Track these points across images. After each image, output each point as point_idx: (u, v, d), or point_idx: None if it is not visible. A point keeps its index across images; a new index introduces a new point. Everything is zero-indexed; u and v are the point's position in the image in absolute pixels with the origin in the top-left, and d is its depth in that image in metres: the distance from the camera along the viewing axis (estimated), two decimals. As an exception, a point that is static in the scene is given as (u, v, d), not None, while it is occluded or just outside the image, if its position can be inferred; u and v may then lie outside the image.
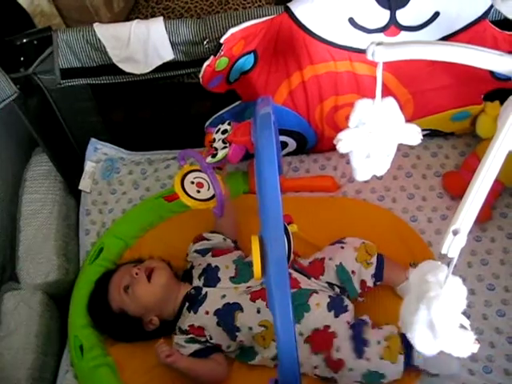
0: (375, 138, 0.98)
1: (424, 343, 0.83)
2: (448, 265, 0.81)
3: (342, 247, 1.45)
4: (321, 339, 1.34)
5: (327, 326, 1.35)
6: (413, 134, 1.00)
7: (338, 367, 1.32)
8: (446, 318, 0.80)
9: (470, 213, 0.76)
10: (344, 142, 0.98)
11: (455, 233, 0.75)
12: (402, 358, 1.31)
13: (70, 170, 1.73)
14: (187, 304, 1.44)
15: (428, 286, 0.83)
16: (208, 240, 1.55)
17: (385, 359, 1.30)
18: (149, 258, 1.55)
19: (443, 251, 0.75)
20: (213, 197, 1.32)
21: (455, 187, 1.62)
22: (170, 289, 1.45)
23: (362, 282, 1.41)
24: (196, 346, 1.41)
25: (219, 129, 1.29)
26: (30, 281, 1.57)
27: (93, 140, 1.76)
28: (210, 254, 1.51)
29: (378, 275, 1.42)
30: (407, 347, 1.31)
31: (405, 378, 1.35)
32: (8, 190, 1.69)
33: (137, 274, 1.43)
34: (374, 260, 1.42)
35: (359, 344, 1.32)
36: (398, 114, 0.99)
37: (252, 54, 1.40)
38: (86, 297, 1.54)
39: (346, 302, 1.40)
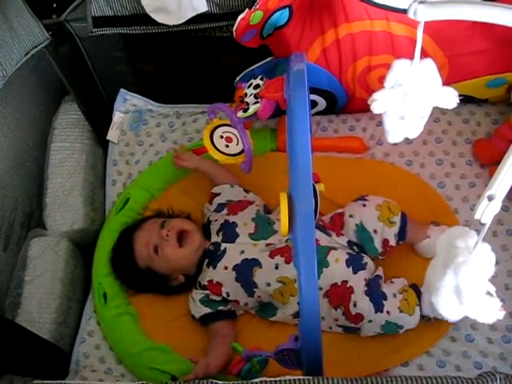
0: (411, 99, 0.96)
1: (449, 308, 0.83)
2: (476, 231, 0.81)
3: (364, 205, 1.44)
4: (338, 294, 1.36)
5: (345, 282, 1.37)
6: (449, 98, 0.98)
7: (357, 320, 1.34)
8: (474, 284, 0.80)
9: (506, 179, 0.74)
10: (379, 102, 0.96)
11: (490, 198, 0.74)
12: (418, 309, 1.35)
13: (98, 119, 1.73)
14: (207, 260, 1.46)
15: (456, 252, 0.82)
16: (218, 195, 1.55)
17: (404, 312, 1.33)
18: (168, 210, 1.56)
19: (476, 216, 0.74)
20: (241, 152, 1.31)
21: (485, 155, 1.59)
22: (200, 251, 1.46)
23: (385, 241, 1.41)
24: (207, 310, 1.44)
25: (251, 84, 1.27)
26: (57, 228, 1.60)
27: (122, 90, 1.75)
28: (225, 210, 1.51)
29: (401, 234, 1.42)
30: (418, 298, 1.35)
31: (425, 339, 1.38)
32: (37, 138, 1.70)
33: (167, 235, 1.43)
34: (397, 219, 1.41)
35: (378, 298, 1.34)
36: (436, 77, 0.97)
37: (287, 9, 1.37)
38: (110, 246, 1.56)
39: (366, 259, 1.41)
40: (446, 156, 1.62)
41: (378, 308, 1.33)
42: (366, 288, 1.35)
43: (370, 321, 1.34)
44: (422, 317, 1.36)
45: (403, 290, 1.36)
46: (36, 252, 1.55)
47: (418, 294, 1.36)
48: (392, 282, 1.39)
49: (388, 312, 1.33)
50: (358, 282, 1.37)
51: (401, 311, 1.33)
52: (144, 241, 1.46)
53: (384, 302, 1.33)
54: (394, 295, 1.35)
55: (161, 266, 1.45)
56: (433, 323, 1.37)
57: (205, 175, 1.59)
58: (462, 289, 0.80)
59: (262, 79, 1.26)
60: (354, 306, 1.34)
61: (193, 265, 1.46)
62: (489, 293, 0.82)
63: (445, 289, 0.82)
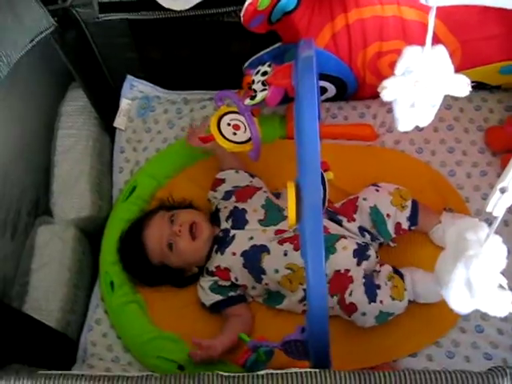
0: (422, 87, 0.94)
1: (460, 301, 0.82)
2: (487, 222, 0.79)
3: (377, 190, 1.44)
4: (338, 281, 1.36)
5: (347, 270, 1.36)
6: (461, 86, 0.96)
7: (350, 311, 1.33)
8: (485, 278, 0.78)
9: (519, 171, 0.72)
10: (389, 89, 0.94)
11: (503, 191, 0.72)
12: (406, 293, 1.35)
13: (105, 106, 1.72)
14: (216, 246, 1.45)
15: (467, 244, 0.81)
16: (223, 181, 1.54)
17: (395, 299, 1.33)
18: (169, 199, 1.56)
19: (488, 209, 0.73)
20: (249, 140, 1.29)
21: (498, 143, 1.57)
22: (211, 239, 1.46)
23: (397, 225, 1.40)
24: (218, 297, 1.43)
25: (259, 70, 1.25)
26: (64, 216, 1.59)
27: (129, 77, 1.73)
28: (233, 197, 1.50)
29: (412, 218, 1.41)
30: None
31: (434, 330, 1.38)
32: (43, 125, 1.69)
33: (180, 231, 1.42)
34: (408, 203, 1.41)
35: (371, 288, 1.33)
36: (448, 64, 0.94)
37: (296, -6, 1.35)
38: (117, 234, 1.55)
39: (370, 251, 1.41)
40: (457, 144, 1.60)
41: (372, 299, 1.32)
42: (363, 280, 1.35)
43: (363, 313, 1.32)
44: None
45: (391, 277, 1.36)
46: (43, 240, 1.54)
47: (402, 278, 1.36)
48: (379, 272, 1.38)
49: (381, 301, 1.32)
50: (358, 273, 1.36)
51: (393, 299, 1.33)
52: (156, 239, 1.45)
53: (377, 291, 1.33)
54: (385, 283, 1.35)
55: (176, 260, 1.45)
56: (442, 311, 1.35)
57: (216, 157, 1.59)
58: (473, 282, 0.79)
59: (269, 66, 1.24)
60: (350, 295, 1.33)
61: (206, 254, 1.46)
62: (501, 286, 0.80)
63: (455, 282, 0.81)
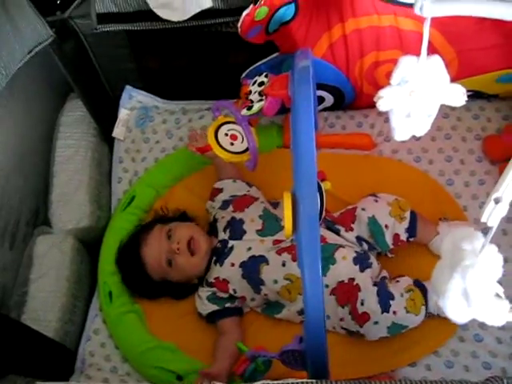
0: (417, 97, 0.94)
1: (457, 311, 0.82)
2: (483, 231, 0.79)
3: (376, 200, 1.44)
4: (345, 291, 1.35)
5: (352, 279, 1.36)
6: (457, 95, 0.96)
7: (363, 320, 1.32)
8: (481, 287, 0.78)
9: (513, 181, 0.72)
10: (385, 99, 0.95)
11: (497, 201, 0.72)
12: (424, 309, 1.34)
13: (104, 116, 1.72)
14: (214, 257, 1.45)
15: (463, 254, 0.81)
16: (221, 191, 1.54)
17: (410, 312, 1.32)
18: (162, 209, 1.56)
19: (483, 219, 0.73)
20: (246, 150, 1.30)
21: (495, 152, 1.56)
22: (209, 252, 1.46)
23: (395, 236, 1.40)
24: (214, 307, 1.43)
25: (256, 81, 1.25)
26: (62, 226, 1.60)
27: (128, 87, 1.74)
28: (230, 207, 1.50)
29: (411, 230, 1.41)
30: (425, 296, 1.34)
31: (433, 339, 1.37)
32: (42, 135, 1.70)
33: (178, 249, 1.42)
34: (407, 215, 1.41)
35: (385, 297, 1.32)
36: (443, 74, 0.95)
37: (293, 4, 1.35)
38: (116, 244, 1.55)
39: (372, 259, 1.40)
40: (455, 153, 1.60)
41: (385, 308, 1.31)
42: (373, 288, 1.34)
43: (376, 322, 1.32)
44: (429, 314, 1.35)
45: (409, 289, 1.34)
46: (41, 250, 1.55)
47: (424, 292, 1.35)
48: (397, 282, 1.38)
49: (394, 312, 1.31)
50: (364, 280, 1.36)
51: (407, 311, 1.32)
52: (155, 256, 1.44)
53: (391, 301, 1.32)
54: (401, 295, 1.33)
55: (176, 275, 1.45)
56: (441, 320, 1.35)
57: (214, 166, 1.59)
58: (470, 292, 0.79)
59: (266, 76, 1.24)
60: (362, 304, 1.32)
61: (205, 266, 1.46)
62: (497, 295, 0.80)
63: (452, 292, 0.81)
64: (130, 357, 1.46)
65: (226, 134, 1.30)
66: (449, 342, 1.38)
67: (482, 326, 1.37)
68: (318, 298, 0.94)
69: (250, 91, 1.25)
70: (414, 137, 1.00)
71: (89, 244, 1.64)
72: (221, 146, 1.28)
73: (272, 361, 1.20)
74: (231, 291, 1.42)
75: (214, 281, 1.44)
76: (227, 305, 1.44)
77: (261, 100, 1.21)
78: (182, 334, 1.47)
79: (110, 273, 1.53)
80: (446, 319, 1.30)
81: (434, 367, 1.36)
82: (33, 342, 1.31)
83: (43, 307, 1.46)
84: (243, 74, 1.57)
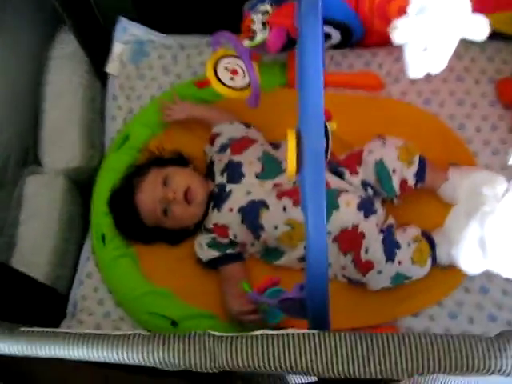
0: (436, 28, 0.87)
1: (471, 262, 0.77)
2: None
3: (384, 144, 1.38)
4: (349, 239, 1.32)
5: (356, 226, 1.32)
6: (480, 27, 0.89)
7: (366, 269, 1.29)
8: (501, 236, 0.72)
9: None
10: (400, 30, 0.88)
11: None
12: (430, 260, 1.30)
13: (96, 50, 1.64)
14: (212, 203, 1.41)
15: (482, 200, 0.75)
16: (219, 135, 1.48)
17: (416, 263, 1.29)
18: (158, 149, 1.50)
19: (510, 163, 0.66)
20: (247, 86, 1.22)
21: (510, 96, 1.49)
22: (206, 199, 1.41)
23: (403, 182, 1.34)
24: (215, 253, 1.40)
25: (258, 9, 1.17)
26: (53, 165, 1.54)
27: (122, 19, 1.64)
28: (228, 150, 1.44)
29: (420, 175, 1.35)
30: (432, 247, 1.29)
31: (437, 289, 1.34)
32: (33, 70, 1.62)
33: (174, 198, 1.36)
34: (416, 159, 1.35)
35: (390, 246, 1.29)
36: (465, 3, 0.87)
37: None
38: (109, 185, 1.50)
39: (377, 205, 1.36)
40: (467, 95, 1.52)
41: (390, 257, 1.27)
42: (379, 235, 1.30)
43: (379, 272, 1.28)
44: (436, 265, 1.31)
45: (416, 239, 1.30)
46: (31, 190, 1.50)
47: (432, 243, 1.30)
48: (404, 231, 1.33)
49: (399, 262, 1.28)
50: (369, 227, 1.32)
51: (413, 262, 1.28)
52: (150, 203, 1.39)
53: (396, 250, 1.28)
54: (408, 244, 1.29)
55: (172, 224, 1.41)
56: (447, 271, 1.31)
57: (201, 122, 1.53)
58: (488, 241, 0.73)
59: (271, 5, 1.16)
60: (366, 252, 1.29)
61: (202, 214, 1.42)
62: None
63: (468, 240, 0.75)
64: (124, 302, 1.43)
65: (226, 68, 1.22)
66: (453, 293, 1.34)
67: (489, 277, 1.33)
68: (321, 242, 0.88)
69: (253, 21, 1.16)
70: (424, 78, 0.94)
71: (81, 184, 1.59)
72: (220, 81, 1.20)
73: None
74: (231, 236, 1.39)
75: (212, 227, 1.40)
76: (228, 251, 1.40)
77: (264, 30, 1.13)
78: (177, 279, 1.44)
79: (104, 213, 1.48)
80: (451, 269, 1.29)
81: (438, 318, 1.34)
82: (22, 285, 1.28)
83: (32, 250, 1.42)
84: (245, 5, 1.47)
